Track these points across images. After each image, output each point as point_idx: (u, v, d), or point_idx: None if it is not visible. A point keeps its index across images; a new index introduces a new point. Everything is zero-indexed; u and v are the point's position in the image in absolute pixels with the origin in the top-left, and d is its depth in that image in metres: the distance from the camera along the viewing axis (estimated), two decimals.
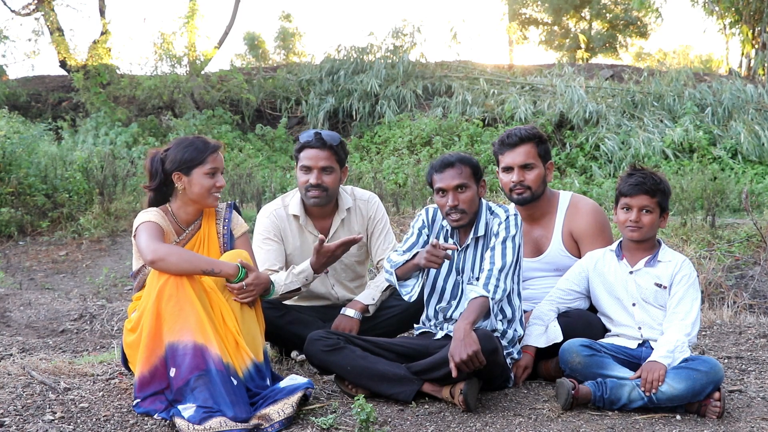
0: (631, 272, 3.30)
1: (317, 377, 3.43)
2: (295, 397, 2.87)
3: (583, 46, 20.81)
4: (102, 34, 15.28)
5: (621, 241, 3.39)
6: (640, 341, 3.23)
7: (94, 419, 2.83)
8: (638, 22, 24.90)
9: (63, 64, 15.27)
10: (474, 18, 52.57)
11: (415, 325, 3.54)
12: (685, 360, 3.02)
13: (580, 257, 3.57)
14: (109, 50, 14.83)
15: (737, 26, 15.87)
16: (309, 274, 3.44)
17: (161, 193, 3.24)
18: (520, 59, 29.13)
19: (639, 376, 3.01)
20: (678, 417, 2.96)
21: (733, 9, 15.64)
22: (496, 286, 3.11)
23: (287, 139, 13.58)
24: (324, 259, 3.40)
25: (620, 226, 3.30)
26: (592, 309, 3.48)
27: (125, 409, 2.94)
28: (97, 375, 3.36)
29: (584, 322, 3.39)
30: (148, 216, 3.14)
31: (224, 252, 3.23)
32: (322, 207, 3.67)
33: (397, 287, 3.28)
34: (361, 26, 65.38)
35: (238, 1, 17.34)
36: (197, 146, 3.19)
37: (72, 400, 2.99)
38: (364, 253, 3.84)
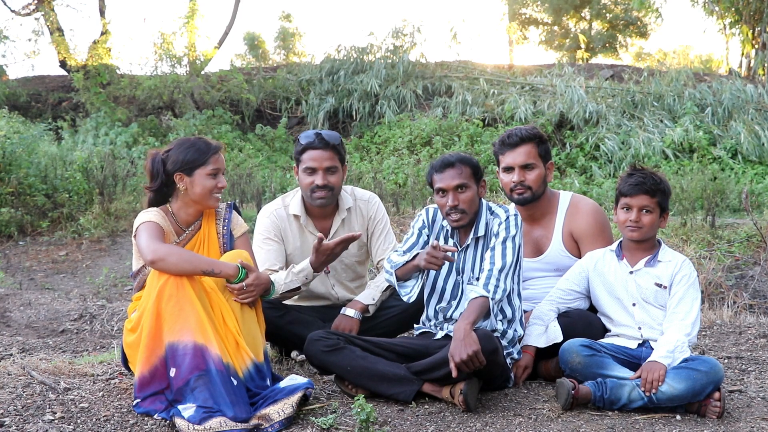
0: (631, 272, 3.30)
1: (317, 377, 3.43)
2: (295, 397, 2.87)
3: (583, 46, 20.81)
4: (102, 34, 15.29)
5: (621, 241, 3.39)
6: (640, 341, 3.23)
7: (94, 419, 2.83)
8: (638, 22, 24.90)
9: (63, 64, 15.27)
10: (474, 18, 52.61)
11: (415, 325, 3.54)
12: (685, 360, 3.02)
13: (580, 257, 3.57)
14: (109, 50, 14.84)
15: (737, 26, 15.87)
16: (309, 273, 3.44)
17: (161, 194, 3.24)
18: (520, 59, 29.16)
19: (639, 376, 3.01)
20: (678, 417, 2.96)
21: (733, 9, 15.64)
22: (496, 286, 3.11)
23: (287, 139, 13.58)
24: (323, 258, 3.40)
25: (620, 226, 3.30)
26: (592, 309, 3.48)
27: (125, 409, 2.94)
28: (97, 375, 3.36)
29: (584, 322, 3.39)
30: (149, 216, 3.14)
31: (224, 252, 3.24)
32: (326, 207, 3.67)
33: (397, 288, 3.29)
34: (361, 26, 65.41)
35: (238, 1, 17.35)
36: (199, 147, 3.19)
37: (72, 400, 2.99)
38: (365, 253, 3.84)
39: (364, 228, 3.78)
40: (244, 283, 3.04)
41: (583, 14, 25.64)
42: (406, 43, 14.78)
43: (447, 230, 3.36)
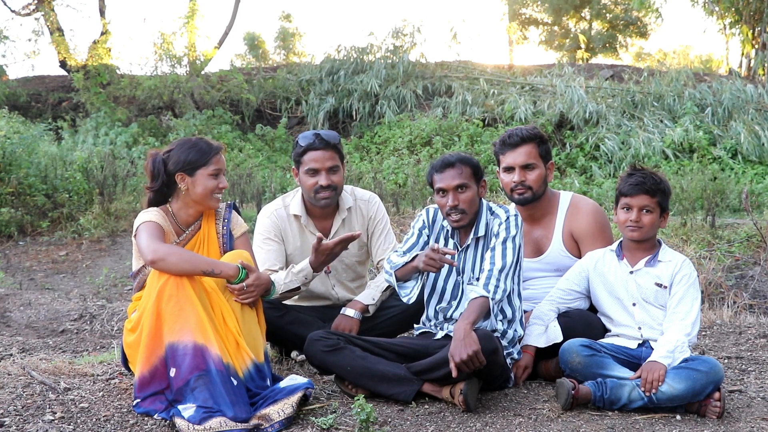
0: (631, 272, 3.30)
1: (317, 377, 3.43)
2: (295, 397, 2.87)
3: (583, 46, 20.81)
4: (102, 34, 15.29)
5: (621, 241, 3.39)
6: (640, 341, 3.23)
7: (94, 419, 2.83)
8: (638, 22, 24.90)
9: (63, 64, 15.27)
10: (474, 18, 52.59)
11: (415, 326, 3.54)
12: (685, 360, 3.01)
13: (580, 257, 3.57)
14: (109, 50, 14.83)
15: (737, 26, 15.88)
16: (308, 273, 3.44)
17: (161, 194, 3.24)
18: (520, 59, 29.17)
19: (639, 376, 3.01)
20: (678, 417, 2.96)
21: (733, 9, 15.64)
22: (497, 287, 3.11)
23: (287, 139, 13.58)
24: (323, 257, 3.40)
25: (620, 226, 3.30)
26: (592, 309, 3.48)
27: (125, 409, 2.94)
28: (97, 375, 3.36)
29: (584, 322, 3.39)
30: (149, 216, 3.14)
31: (224, 252, 3.24)
32: (327, 207, 3.67)
33: (396, 288, 3.29)
34: (361, 26, 65.39)
35: (238, 1, 17.35)
36: (201, 147, 3.19)
37: (72, 400, 2.99)
38: (365, 253, 3.84)
39: (364, 228, 3.78)
40: (244, 284, 3.04)
41: (583, 14, 25.64)
42: (406, 43, 14.78)
43: (447, 230, 3.36)
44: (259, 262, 3.47)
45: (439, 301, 3.37)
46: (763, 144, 10.83)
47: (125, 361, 3.18)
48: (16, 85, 15.83)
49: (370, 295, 3.63)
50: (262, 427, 2.74)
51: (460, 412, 2.98)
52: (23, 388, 3.07)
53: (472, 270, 3.30)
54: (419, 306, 3.46)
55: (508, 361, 3.26)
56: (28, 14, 16.41)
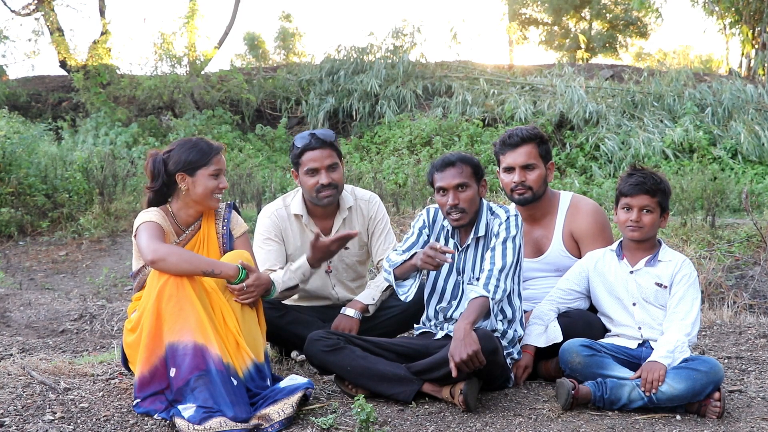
0: (631, 272, 3.30)
1: (317, 377, 3.43)
2: (295, 397, 2.87)
3: (583, 46, 20.82)
4: (102, 34, 15.29)
5: (621, 241, 3.39)
6: (640, 341, 3.23)
7: (94, 419, 2.83)
8: (638, 22, 24.90)
9: (63, 64, 15.27)
10: (474, 18, 52.61)
11: (415, 325, 3.54)
12: (685, 360, 3.01)
13: (580, 258, 3.57)
14: (109, 50, 14.84)
15: (737, 26, 15.88)
16: (306, 270, 3.43)
17: (161, 194, 3.24)
18: (520, 59, 29.17)
19: (639, 376, 3.01)
20: (678, 417, 2.96)
21: (733, 9, 15.64)
22: (497, 287, 3.11)
23: (287, 139, 13.58)
24: (320, 255, 3.39)
25: (621, 226, 3.29)
26: (592, 309, 3.48)
27: (125, 409, 2.94)
28: (97, 375, 3.36)
29: (584, 322, 3.39)
30: (149, 216, 3.14)
31: (224, 252, 3.24)
32: (330, 206, 3.66)
33: (394, 286, 3.29)
34: (361, 26, 65.41)
35: (238, 1, 17.35)
36: (201, 147, 3.19)
37: (72, 400, 2.99)
38: (365, 253, 3.84)
39: (364, 228, 3.78)
40: (244, 284, 3.04)
41: (583, 14, 25.64)
42: (406, 43, 14.78)
43: (447, 230, 3.36)
44: (259, 262, 3.47)
45: (439, 300, 3.37)
46: (763, 144, 10.83)
47: (125, 361, 3.18)
48: (16, 85, 15.83)
49: (370, 295, 3.63)
50: (262, 427, 2.74)
51: (460, 412, 2.98)
52: (23, 388, 3.07)
53: (472, 270, 3.30)
54: (419, 306, 3.46)
55: (508, 361, 3.26)
56: (28, 14, 16.42)
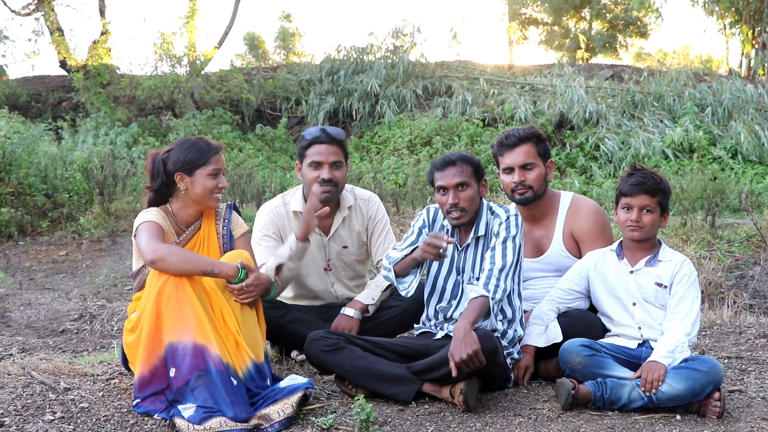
0: (631, 272, 3.30)
1: (317, 377, 3.43)
2: (295, 397, 2.87)
3: (583, 46, 20.81)
4: (102, 34, 15.29)
5: (621, 241, 3.39)
6: (640, 341, 3.23)
7: (94, 419, 2.83)
8: (638, 22, 24.91)
9: (63, 64, 15.27)
10: (474, 18, 52.63)
11: (415, 325, 3.54)
12: (685, 360, 3.01)
13: (580, 258, 3.57)
14: (109, 50, 14.83)
15: (737, 26, 15.88)
16: (293, 242, 3.38)
17: (161, 194, 3.24)
18: (520, 59, 29.18)
19: (639, 376, 3.01)
20: (678, 417, 2.96)
21: (733, 9, 15.64)
22: (497, 286, 3.11)
23: (287, 139, 13.58)
24: (305, 226, 3.36)
25: (621, 226, 3.29)
26: (592, 309, 3.48)
27: (125, 409, 2.94)
28: (97, 375, 3.36)
29: (584, 322, 3.39)
30: (149, 216, 3.14)
31: (224, 252, 3.24)
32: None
33: (395, 283, 3.28)
34: (361, 26, 65.44)
35: (238, 1, 17.35)
36: (200, 147, 3.19)
37: (72, 400, 2.99)
38: (364, 253, 3.85)
39: (364, 227, 3.79)
40: (244, 284, 3.04)
41: (583, 14, 25.65)
42: (406, 43, 14.78)
43: (447, 230, 3.36)
44: (257, 259, 3.46)
45: (439, 300, 3.37)
46: (763, 144, 10.83)
47: (125, 361, 3.18)
48: (16, 85, 15.83)
49: (370, 294, 3.63)
50: (262, 427, 2.74)
51: (460, 412, 2.98)
52: (23, 388, 3.07)
53: (472, 269, 3.30)
54: (419, 306, 3.47)
55: (508, 361, 3.26)
56: (28, 14, 16.41)
